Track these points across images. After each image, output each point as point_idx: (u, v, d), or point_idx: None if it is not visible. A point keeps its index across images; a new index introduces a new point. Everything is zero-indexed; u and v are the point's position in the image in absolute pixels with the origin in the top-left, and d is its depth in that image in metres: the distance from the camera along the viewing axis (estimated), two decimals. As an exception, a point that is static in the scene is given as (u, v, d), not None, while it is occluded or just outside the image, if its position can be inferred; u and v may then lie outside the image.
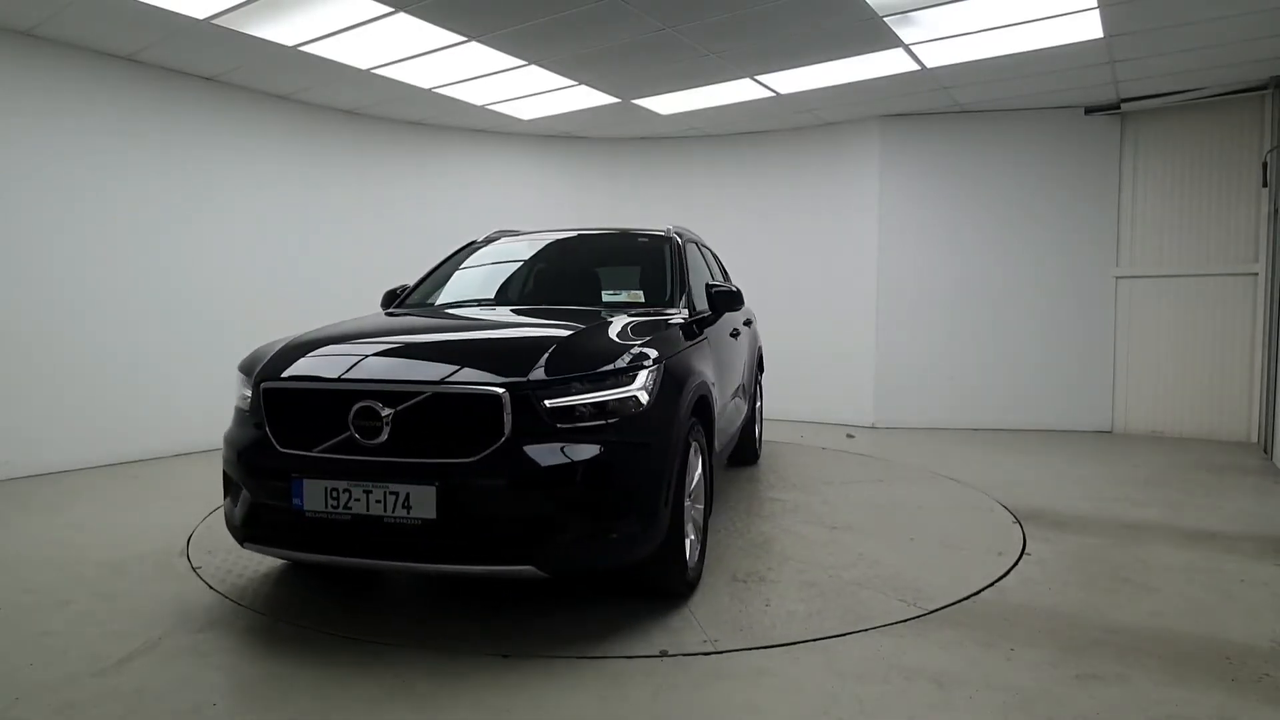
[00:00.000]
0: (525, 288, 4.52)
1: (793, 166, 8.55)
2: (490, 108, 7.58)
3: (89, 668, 2.70)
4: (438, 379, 2.86)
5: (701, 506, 3.54)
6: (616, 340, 3.20)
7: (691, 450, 3.30)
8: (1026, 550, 3.98)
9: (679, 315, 3.87)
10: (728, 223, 8.47)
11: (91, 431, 5.95)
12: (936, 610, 3.16)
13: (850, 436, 7.49)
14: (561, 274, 4.61)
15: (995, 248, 7.84)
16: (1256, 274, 6.93)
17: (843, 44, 5.83)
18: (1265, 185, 6.75)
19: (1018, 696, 2.49)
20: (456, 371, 2.89)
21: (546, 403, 2.78)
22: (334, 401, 2.89)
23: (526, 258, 4.80)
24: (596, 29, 5.48)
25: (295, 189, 7.31)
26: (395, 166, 8.09)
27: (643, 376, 2.98)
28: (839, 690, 2.54)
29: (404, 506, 2.72)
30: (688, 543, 3.24)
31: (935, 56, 6.10)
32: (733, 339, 4.83)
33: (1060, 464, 6.18)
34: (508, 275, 4.66)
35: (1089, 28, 5.44)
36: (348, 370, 3.01)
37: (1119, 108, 7.23)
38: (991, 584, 3.49)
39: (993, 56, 6.08)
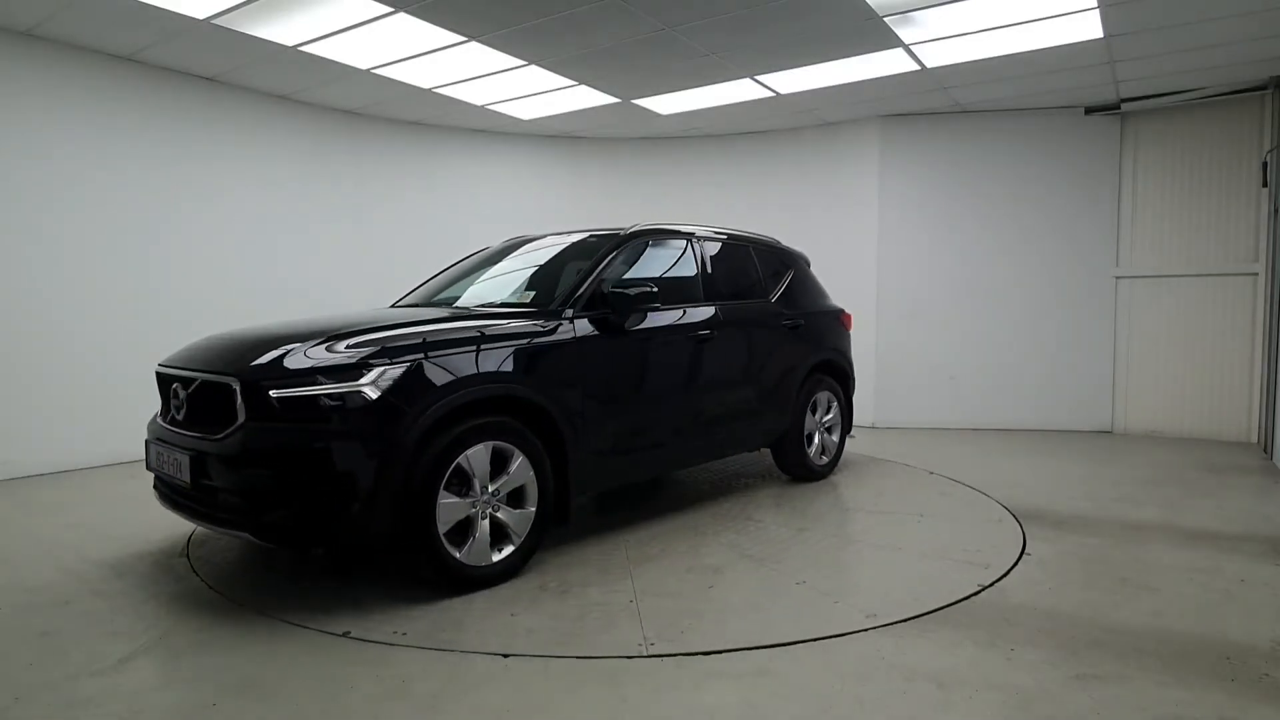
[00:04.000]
0: (462, 292, 4.65)
1: (793, 166, 8.54)
2: (490, 108, 7.57)
3: (89, 668, 2.70)
4: (202, 369, 3.43)
5: (534, 509, 3.57)
6: (359, 340, 3.32)
7: (479, 450, 3.35)
8: (1026, 550, 3.98)
9: (550, 317, 3.85)
10: (728, 222, 8.43)
11: (91, 431, 5.95)
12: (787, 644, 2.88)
13: (850, 436, 7.47)
14: (493, 279, 4.71)
15: (995, 248, 7.84)
16: (1256, 274, 6.93)
17: (843, 44, 5.83)
18: (1265, 185, 6.75)
19: (1018, 696, 2.49)
20: (215, 363, 3.42)
21: (272, 393, 3.14)
22: (168, 383, 3.66)
23: (492, 262, 4.92)
24: (596, 29, 5.48)
25: (295, 189, 7.30)
26: (395, 166, 8.08)
27: (374, 373, 3.18)
28: (839, 689, 2.54)
29: (179, 471, 3.37)
30: (472, 539, 3.36)
31: (935, 56, 6.10)
32: (701, 343, 4.58)
33: (1060, 464, 6.18)
34: (467, 280, 4.80)
35: (1089, 28, 5.44)
36: (176, 359, 3.69)
37: (1119, 108, 7.23)
38: (992, 584, 3.49)
39: (993, 56, 6.08)
